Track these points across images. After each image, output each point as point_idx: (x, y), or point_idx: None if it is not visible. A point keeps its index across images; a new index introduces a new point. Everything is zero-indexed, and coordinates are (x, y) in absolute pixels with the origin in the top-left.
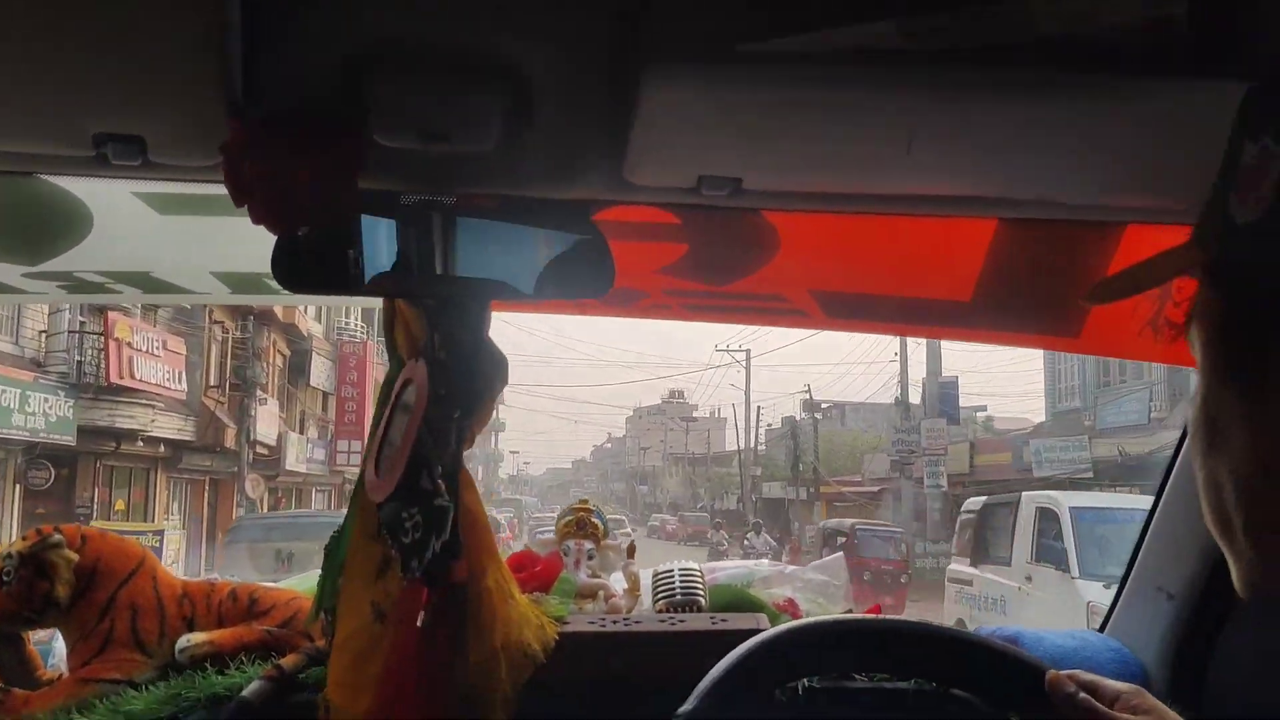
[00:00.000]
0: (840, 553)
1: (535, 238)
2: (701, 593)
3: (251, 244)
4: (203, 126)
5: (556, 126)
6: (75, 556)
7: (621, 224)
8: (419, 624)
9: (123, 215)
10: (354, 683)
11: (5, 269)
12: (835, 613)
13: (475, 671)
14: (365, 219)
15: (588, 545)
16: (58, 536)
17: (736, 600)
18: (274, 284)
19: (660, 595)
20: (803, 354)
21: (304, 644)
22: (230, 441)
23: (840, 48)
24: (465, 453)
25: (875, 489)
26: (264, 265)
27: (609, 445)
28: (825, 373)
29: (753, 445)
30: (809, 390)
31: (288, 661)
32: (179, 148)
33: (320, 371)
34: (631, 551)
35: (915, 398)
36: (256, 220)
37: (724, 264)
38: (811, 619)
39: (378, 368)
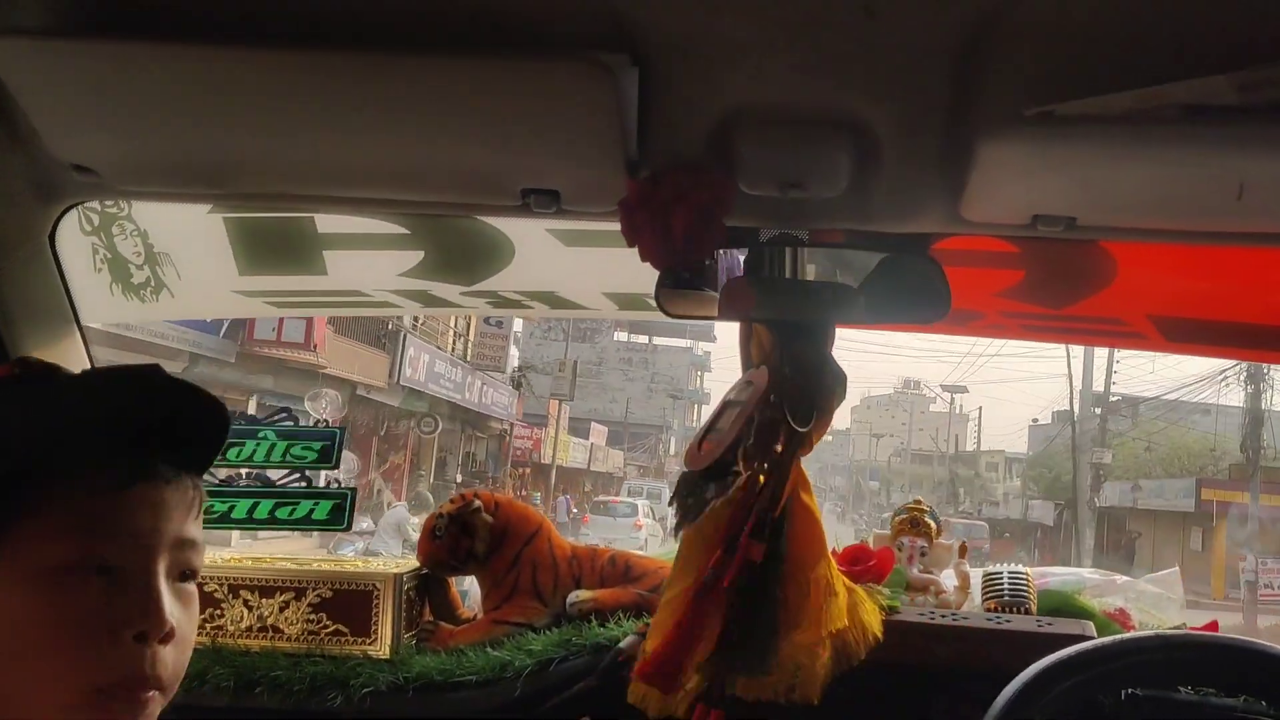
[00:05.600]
0: (1176, 567)
1: (878, 266)
2: (1029, 596)
3: (635, 269)
4: (605, 182)
5: (898, 172)
6: (490, 519)
7: (960, 252)
8: (702, 580)
9: (537, 247)
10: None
11: (448, 289)
12: (1169, 626)
13: (802, 652)
14: (730, 253)
15: (920, 542)
16: (478, 503)
17: (1064, 606)
18: (654, 303)
19: (989, 594)
20: None
21: None
22: None
23: (1169, 104)
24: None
25: None
26: (644, 286)
27: (829, 438)
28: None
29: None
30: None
31: None
32: (585, 199)
33: None
34: (963, 551)
35: None
36: (644, 259)
37: (1061, 289)
38: (1130, 634)
39: None
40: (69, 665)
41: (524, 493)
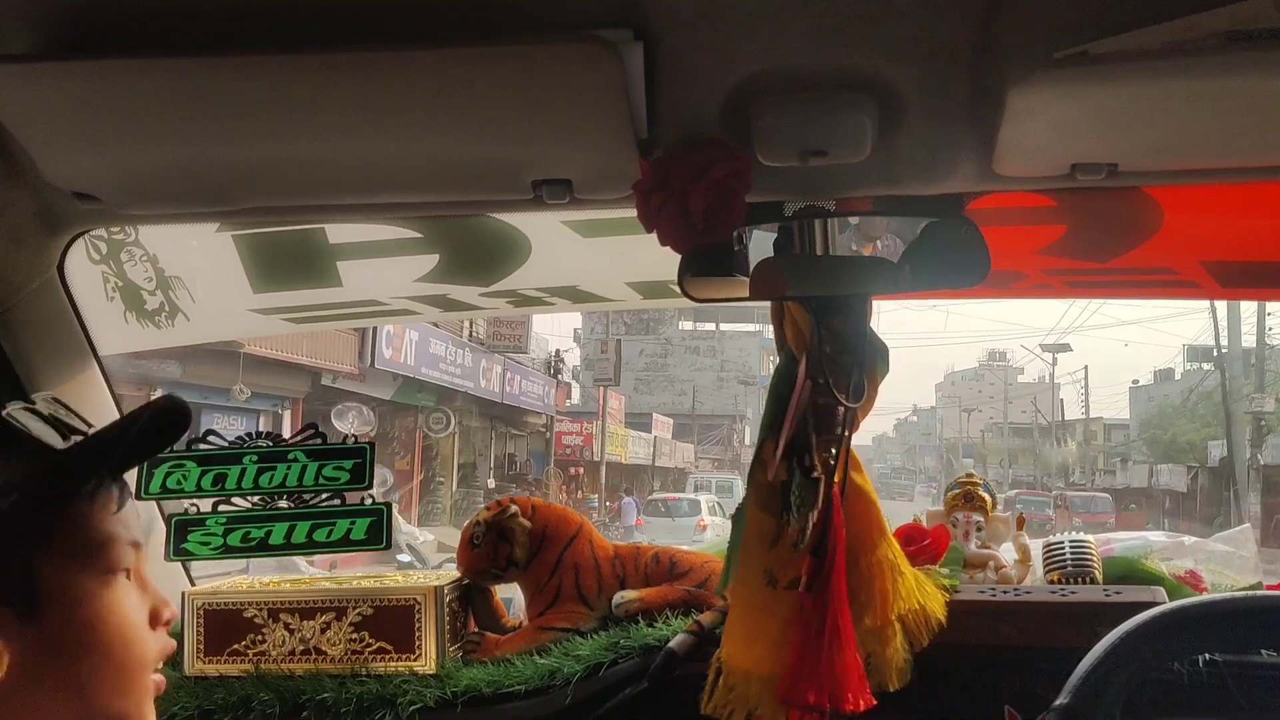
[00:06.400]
0: (1247, 523)
1: (911, 231)
2: (1094, 564)
3: (658, 255)
4: (617, 166)
5: (925, 130)
6: (528, 524)
7: (996, 210)
8: (801, 589)
9: (554, 240)
10: (747, 639)
11: (467, 290)
12: (1242, 586)
13: (872, 638)
14: (755, 230)
15: (976, 517)
16: (514, 508)
17: (1132, 572)
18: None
19: (1052, 566)
20: None
21: (718, 602)
22: None
23: (1211, 33)
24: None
25: None
26: (668, 273)
27: (914, 418)
28: None
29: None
30: None
31: (706, 618)
32: (598, 186)
33: None
34: (1021, 523)
35: None
36: (664, 242)
37: (1106, 241)
38: (1200, 597)
39: None
40: (138, 655)
41: (578, 494)
